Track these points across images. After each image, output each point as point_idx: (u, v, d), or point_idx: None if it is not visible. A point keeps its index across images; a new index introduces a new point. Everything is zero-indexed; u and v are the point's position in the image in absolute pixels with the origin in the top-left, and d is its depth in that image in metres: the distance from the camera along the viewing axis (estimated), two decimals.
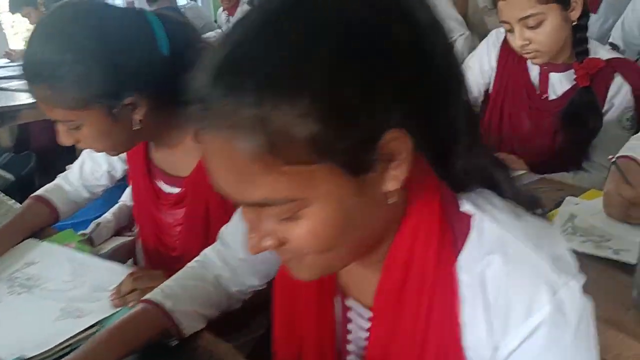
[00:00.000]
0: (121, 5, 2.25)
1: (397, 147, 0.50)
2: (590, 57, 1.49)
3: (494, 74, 1.69)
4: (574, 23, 1.44)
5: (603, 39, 2.36)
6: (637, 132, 1.35)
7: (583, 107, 1.48)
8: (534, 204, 0.61)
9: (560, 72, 1.54)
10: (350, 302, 0.67)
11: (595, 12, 2.42)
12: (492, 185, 0.60)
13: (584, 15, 1.46)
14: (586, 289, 0.90)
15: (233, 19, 3.78)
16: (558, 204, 1.21)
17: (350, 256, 0.58)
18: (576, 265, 0.58)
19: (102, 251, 1.31)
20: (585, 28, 1.48)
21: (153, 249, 1.23)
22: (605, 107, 1.50)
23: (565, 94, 1.54)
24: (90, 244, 1.29)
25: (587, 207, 1.18)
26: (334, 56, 0.46)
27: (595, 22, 2.41)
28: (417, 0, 0.53)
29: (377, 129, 0.49)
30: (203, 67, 0.48)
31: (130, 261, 1.33)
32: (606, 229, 1.08)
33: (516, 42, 1.45)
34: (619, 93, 1.48)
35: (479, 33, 2.60)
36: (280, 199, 0.49)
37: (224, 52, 0.48)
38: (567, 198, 1.23)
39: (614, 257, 0.99)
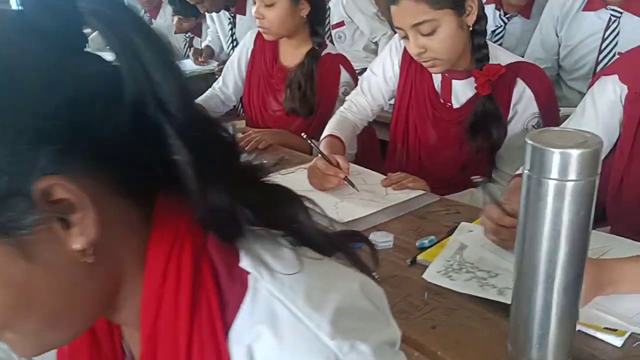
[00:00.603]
0: None
1: (60, 195, 0.40)
2: (490, 63, 1.40)
3: (397, 81, 1.59)
4: (471, 29, 1.35)
5: None
6: None
7: (486, 117, 1.39)
8: (341, 245, 0.52)
9: (463, 79, 1.44)
10: None
11: (528, 17, 2.35)
12: (285, 227, 0.50)
13: (481, 20, 1.36)
14: (462, 342, 0.80)
15: (157, 22, 3.60)
16: (452, 231, 1.12)
17: (66, 330, 0.48)
18: (381, 317, 0.48)
19: None
20: (483, 33, 1.38)
21: None
22: (509, 115, 1.42)
23: (469, 102, 1.45)
24: None
25: (480, 235, 1.08)
26: None
27: (528, 26, 2.33)
28: None
29: (14, 180, 0.40)
30: None
31: None
32: (495, 262, 0.99)
33: (411, 49, 1.35)
34: (522, 99, 1.40)
35: None
36: None
37: None
38: (462, 224, 1.14)
39: (498, 298, 0.89)
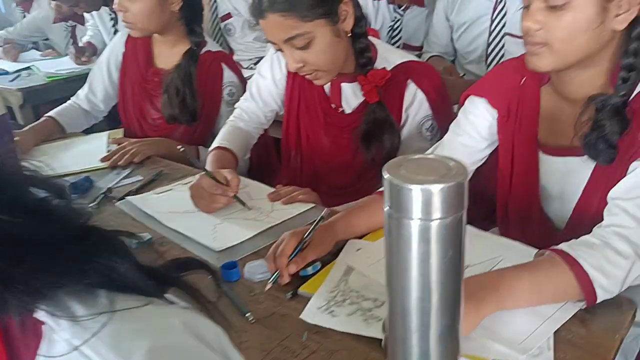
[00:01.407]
0: None
1: None
2: (377, 65, 1.31)
3: (286, 84, 1.47)
4: (349, 34, 1.24)
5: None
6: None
7: (377, 125, 1.30)
8: (173, 280, 0.50)
9: (352, 82, 1.35)
10: None
11: (422, 4, 2.31)
12: (100, 278, 0.46)
13: (360, 22, 1.26)
14: None
15: (31, 15, 3.26)
16: (338, 252, 1.02)
17: None
18: (211, 355, 0.45)
19: None
20: (363, 36, 1.28)
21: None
22: (402, 119, 1.34)
23: (360, 107, 1.35)
24: None
25: (368, 253, 0.99)
26: None
27: (424, 14, 2.30)
28: None
29: None
30: None
31: None
32: (381, 284, 0.90)
33: (289, 64, 1.23)
34: (413, 102, 1.32)
35: None
36: None
37: None
38: (350, 241, 1.04)
39: (383, 335, 0.80)
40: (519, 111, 1.05)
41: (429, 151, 1.18)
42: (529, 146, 1.05)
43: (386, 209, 0.53)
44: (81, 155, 1.61)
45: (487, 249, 0.99)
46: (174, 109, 1.63)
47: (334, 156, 1.42)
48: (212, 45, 1.71)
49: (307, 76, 1.28)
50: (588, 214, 0.97)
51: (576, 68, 0.94)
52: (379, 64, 1.33)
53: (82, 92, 1.88)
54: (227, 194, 1.18)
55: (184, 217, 1.19)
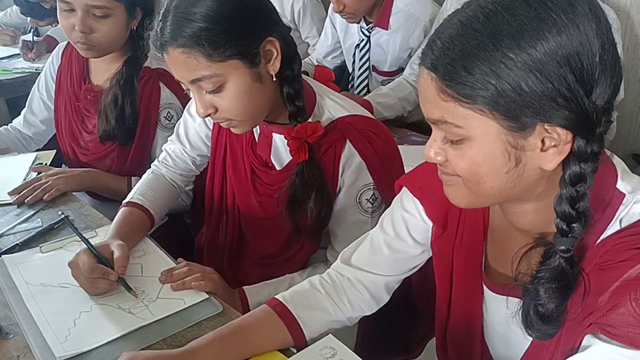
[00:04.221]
0: None
1: None
2: (314, 117, 1.07)
3: (212, 127, 1.24)
4: (274, 78, 1.00)
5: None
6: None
7: (304, 187, 1.06)
8: None
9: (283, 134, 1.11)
10: None
11: (386, 28, 2.03)
12: None
13: (292, 63, 1.01)
14: None
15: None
16: None
17: None
18: None
19: None
20: (295, 80, 1.03)
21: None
22: (338, 185, 1.09)
23: (290, 164, 1.11)
24: None
25: None
26: None
27: (388, 36, 2.03)
28: None
29: None
30: None
31: None
32: None
33: (197, 109, 1.00)
34: (350, 167, 1.07)
35: None
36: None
37: None
38: None
39: None
40: (460, 227, 0.80)
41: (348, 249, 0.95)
42: (472, 273, 0.79)
43: None
44: None
45: None
46: (110, 122, 1.42)
47: (260, 219, 1.19)
48: (152, 62, 1.49)
49: (221, 124, 1.05)
50: None
51: (510, 203, 0.69)
52: (315, 115, 1.08)
53: (24, 111, 1.70)
54: (108, 277, 0.97)
55: (55, 293, 0.99)
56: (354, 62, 2.16)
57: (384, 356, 1.21)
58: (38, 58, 2.35)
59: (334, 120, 1.06)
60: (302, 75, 1.08)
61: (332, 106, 1.09)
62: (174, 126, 1.34)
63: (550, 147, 0.60)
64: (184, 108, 1.47)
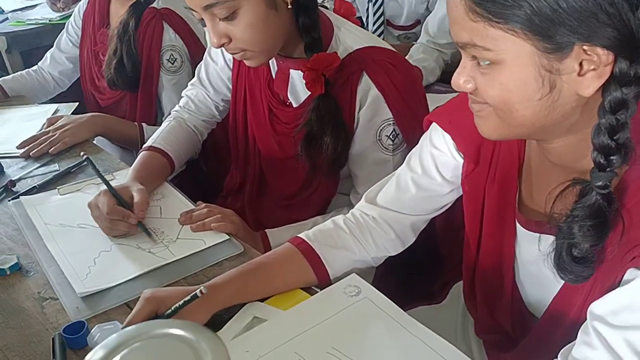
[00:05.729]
0: None
1: None
2: (330, 49, 1.01)
3: (232, 68, 1.19)
4: (289, 5, 0.94)
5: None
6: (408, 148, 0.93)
7: (320, 123, 1.01)
8: None
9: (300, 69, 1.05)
10: None
11: None
12: None
13: None
14: None
15: None
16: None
17: None
18: None
19: None
20: (310, 9, 0.97)
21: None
22: (355, 122, 1.05)
23: (308, 101, 1.06)
24: None
25: (270, 329, 0.75)
26: None
27: None
28: None
29: None
30: None
31: None
32: None
33: (211, 39, 0.95)
34: (366, 102, 1.02)
35: None
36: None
37: None
38: (246, 307, 0.79)
39: None
40: (494, 161, 0.75)
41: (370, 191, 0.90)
42: (504, 211, 0.74)
43: None
44: (14, 131, 1.40)
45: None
46: (110, 70, 1.39)
47: (279, 158, 1.15)
48: (161, 2, 1.42)
49: (234, 55, 1.00)
50: (571, 310, 0.68)
51: (545, 135, 0.63)
52: (332, 47, 1.02)
53: (49, 54, 1.69)
54: (128, 221, 0.95)
55: (73, 233, 0.98)
56: (367, 16, 2.02)
57: (401, 300, 1.19)
58: (68, 7, 2.31)
59: (351, 52, 1.01)
60: (320, 7, 1.02)
61: (350, 37, 1.03)
62: (178, 69, 1.30)
63: (589, 70, 0.55)
64: (189, 51, 1.43)
